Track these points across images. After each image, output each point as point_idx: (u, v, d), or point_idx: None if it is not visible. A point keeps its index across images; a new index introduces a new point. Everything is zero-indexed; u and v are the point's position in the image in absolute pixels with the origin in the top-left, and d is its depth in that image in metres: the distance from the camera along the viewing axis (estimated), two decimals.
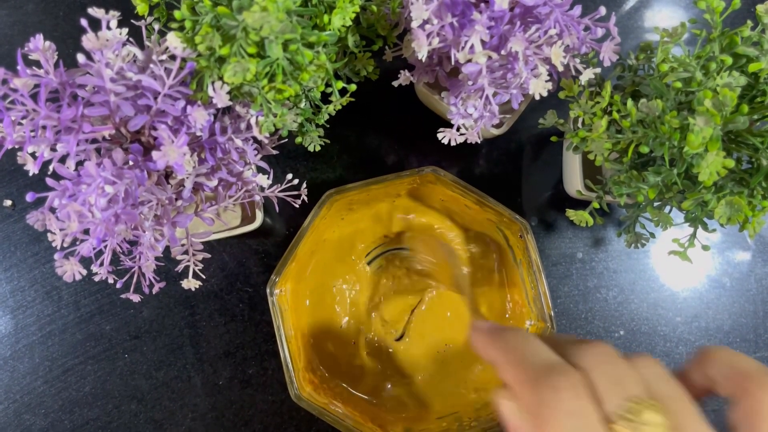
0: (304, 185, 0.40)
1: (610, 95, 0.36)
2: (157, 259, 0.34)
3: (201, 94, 0.31)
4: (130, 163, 0.31)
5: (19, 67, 0.27)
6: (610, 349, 0.22)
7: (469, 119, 0.38)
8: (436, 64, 0.40)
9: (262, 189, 0.38)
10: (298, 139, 0.43)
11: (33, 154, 0.31)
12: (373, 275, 0.47)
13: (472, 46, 0.33)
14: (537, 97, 0.35)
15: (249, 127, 0.35)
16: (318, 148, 0.44)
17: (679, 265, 0.50)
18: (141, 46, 0.31)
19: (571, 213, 0.41)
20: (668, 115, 0.31)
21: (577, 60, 0.37)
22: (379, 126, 0.52)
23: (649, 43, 0.39)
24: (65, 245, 0.31)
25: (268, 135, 0.36)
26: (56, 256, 0.31)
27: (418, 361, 0.46)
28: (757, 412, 0.20)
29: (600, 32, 0.37)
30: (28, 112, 0.28)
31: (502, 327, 0.24)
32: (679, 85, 0.33)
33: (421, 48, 0.33)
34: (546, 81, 0.35)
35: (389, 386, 0.46)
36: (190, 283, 0.36)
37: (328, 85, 0.38)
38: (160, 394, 0.48)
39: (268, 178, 0.37)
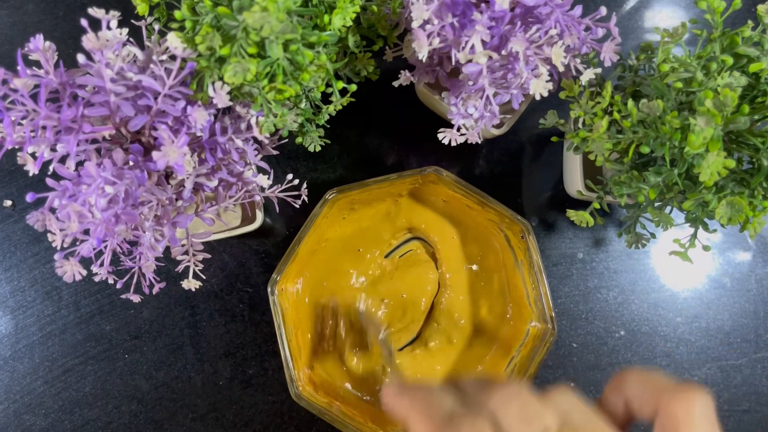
0: (305, 185, 0.40)
1: (610, 95, 0.36)
2: (157, 259, 0.34)
3: (201, 94, 0.31)
4: (131, 163, 0.31)
5: (19, 68, 0.27)
6: (518, 388, 0.21)
7: (470, 119, 0.38)
8: (437, 65, 0.40)
9: (263, 189, 0.38)
10: (299, 140, 0.43)
11: (33, 155, 0.31)
12: (375, 274, 0.47)
13: (472, 47, 0.33)
14: (537, 98, 0.35)
15: (249, 128, 0.35)
16: (318, 149, 0.44)
17: (680, 266, 0.50)
18: (141, 46, 0.31)
19: (571, 213, 0.41)
20: (669, 115, 0.31)
21: (578, 60, 0.37)
22: (379, 126, 0.52)
23: (649, 43, 0.39)
24: (65, 245, 0.31)
25: (268, 135, 0.36)
26: (56, 256, 0.31)
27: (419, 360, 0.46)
28: (674, 426, 0.19)
29: (601, 32, 0.37)
30: (28, 112, 0.28)
31: (411, 385, 0.25)
32: (679, 85, 0.33)
33: (422, 48, 0.33)
34: (546, 81, 0.35)
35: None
36: (191, 284, 0.36)
37: (328, 85, 0.38)
38: (160, 394, 0.48)
39: (268, 179, 0.37)
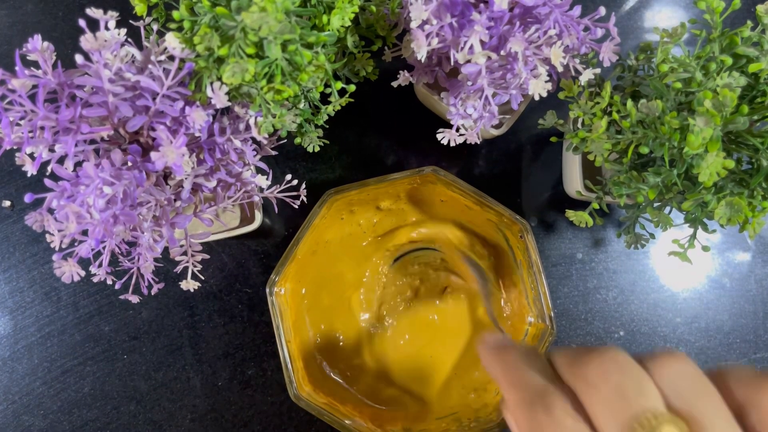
0: (304, 186, 0.40)
1: (609, 96, 0.36)
2: (155, 260, 0.34)
3: (200, 94, 0.31)
4: (129, 163, 0.31)
5: (17, 68, 0.27)
6: (619, 355, 0.19)
7: (469, 120, 0.38)
8: (436, 65, 0.40)
9: (261, 190, 0.38)
10: (297, 140, 0.43)
11: (31, 155, 0.31)
12: (375, 275, 0.47)
13: (471, 47, 0.33)
14: (536, 98, 0.35)
15: (248, 128, 0.35)
16: (317, 149, 0.44)
17: (679, 266, 0.50)
18: (139, 46, 0.31)
19: (570, 213, 0.41)
20: (668, 115, 0.31)
21: (577, 60, 0.37)
22: (379, 126, 0.52)
23: (648, 43, 0.39)
24: (64, 246, 0.31)
25: (267, 135, 0.36)
26: (55, 257, 0.31)
27: (416, 361, 0.46)
28: None
29: (600, 32, 0.37)
30: (27, 112, 0.28)
31: (507, 344, 0.23)
32: (679, 85, 0.33)
33: (421, 48, 0.33)
34: (545, 81, 0.35)
35: (388, 386, 0.45)
36: (189, 284, 0.36)
37: (327, 85, 0.38)
38: (159, 395, 0.48)
39: (267, 179, 0.37)
